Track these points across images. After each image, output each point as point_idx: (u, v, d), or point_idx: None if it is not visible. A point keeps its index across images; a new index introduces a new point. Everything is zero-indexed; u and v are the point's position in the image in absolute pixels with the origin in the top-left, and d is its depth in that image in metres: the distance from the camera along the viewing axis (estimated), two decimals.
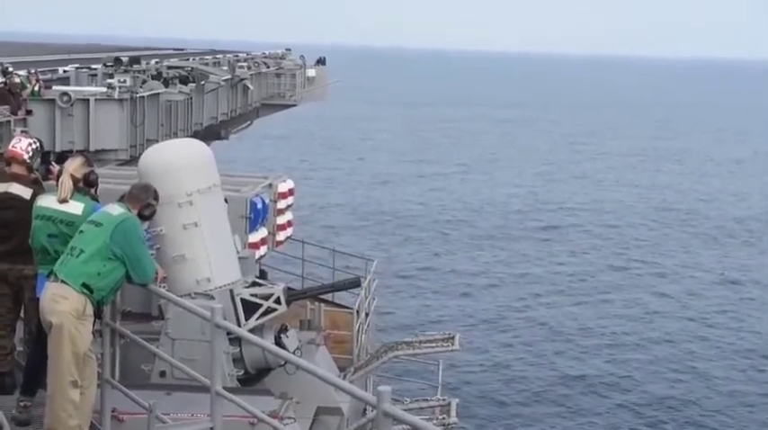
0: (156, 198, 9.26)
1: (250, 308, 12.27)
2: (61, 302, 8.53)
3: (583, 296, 41.45)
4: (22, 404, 9.52)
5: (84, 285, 8.56)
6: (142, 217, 9.04)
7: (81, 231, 8.82)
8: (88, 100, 21.93)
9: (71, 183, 9.26)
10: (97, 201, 9.58)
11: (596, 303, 40.47)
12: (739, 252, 51.35)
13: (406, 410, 16.03)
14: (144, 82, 24.34)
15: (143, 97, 23.15)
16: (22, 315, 10.21)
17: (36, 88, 21.86)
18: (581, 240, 53.07)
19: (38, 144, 10.21)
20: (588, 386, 30.84)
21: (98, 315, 8.96)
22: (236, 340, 11.88)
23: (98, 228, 8.71)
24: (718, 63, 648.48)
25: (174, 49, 53.72)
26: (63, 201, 9.21)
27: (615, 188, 72.58)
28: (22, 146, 10.06)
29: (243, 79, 34.61)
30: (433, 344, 18.10)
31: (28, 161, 10.03)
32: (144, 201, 9.10)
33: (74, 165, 9.40)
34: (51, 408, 8.68)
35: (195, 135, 25.97)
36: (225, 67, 35.27)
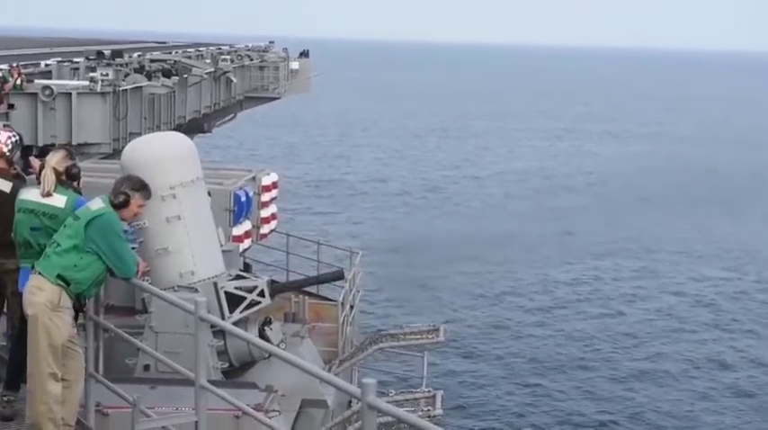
0: (135, 188, 9.11)
1: (234, 300, 12.26)
2: (37, 294, 8.55)
3: (570, 286, 41.53)
4: (5, 399, 9.50)
5: (60, 277, 8.56)
6: (114, 206, 8.94)
7: (64, 225, 8.82)
8: (70, 93, 21.84)
9: (54, 176, 9.22)
10: (80, 193, 9.54)
11: (585, 293, 40.56)
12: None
13: (390, 402, 16.04)
14: (126, 75, 24.24)
15: (126, 90, 23.06)
16: (5, 309, 10.18)
17: (18, 82, 21.76)
18: (570, 230, 53.15)
19: (17, 137, 10.15)
20: (575, 377, 30.90)
21: (80, 309, 8.94)
22: (220, 333, 11.87)
23: (77, 222, 8.73)
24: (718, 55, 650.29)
25: (157, 43, 53.50)
26: (47, 194, 9.18)
27: (603, 182, 72.79)
28: (1, 139, 10.00)
29: (226, 72, 34.50)
30: (418, 336, 18.13)
31: (7, 154, 9.97)
32: (117, 189, 9.03)
33: (56, 159, 9.36)
34: (31, 403, 8.67)
35: (178, 128, 25.89)
36: (208, 60, 35.17)
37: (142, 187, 9.18)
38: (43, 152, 16.09)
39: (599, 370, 31.67)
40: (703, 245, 50.64)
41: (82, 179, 9.93)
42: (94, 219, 8.71)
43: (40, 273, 8.61)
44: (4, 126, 11.20)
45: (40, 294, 8.55)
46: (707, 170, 76.56)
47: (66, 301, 8.64)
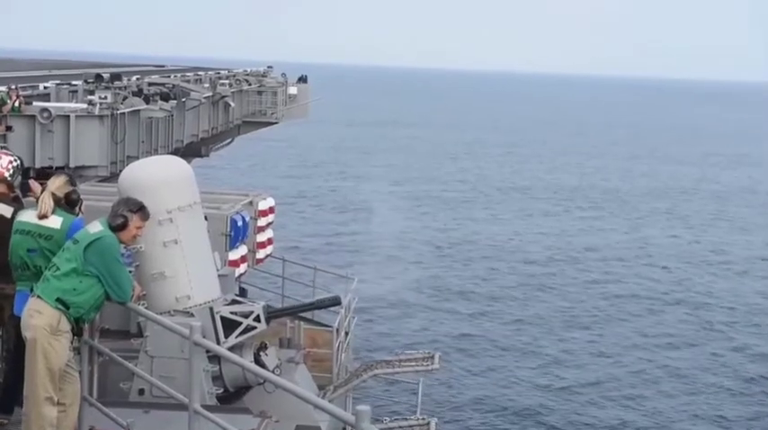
0: (133, 210, 9.08)
1: (230, 325, 12.24)
2: (35, 317, 8.53)
3: (566, 316, 41.49)
4: None
5: (59, 300, 8.55)
6: (113, 228, 8.94)
7: (63, 249, 8.82)
8: (69, 116, 21.86)
9: (52, 202, 9.20)
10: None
11: (580, 323, 40.53)
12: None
13: (384, 429, 16.04)
14: (125, 98, 24.23)
15: (124, 114, 23.08)
16: (1, 333, 10.14)
17: (16, 104, 21.77)
18: (564, 260, 53.19)
19: (18, 162, 10.15)
20: (571, 406, 30.83)
21: (78, 333, 8.91)
22: (215, 358, 11.84)
23: (76, 246, 8.73)
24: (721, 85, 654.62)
25: (156, 66, 53.56)
26: (42, 217, 9.17)
27: (599, 215, 72.96)
28: (2, 163, 9.99)
29: (224, 96, 34.53)
30: (413, 363, 18.14)
31: (8, 179, 9.96)
32: (115, 212, 9.03)
33: (56, 185, 9.33)
34: (27, 426, 8.64)
35: (176, 152, 25.90)
36: (206, 85, 35.19)
37: (140, 209, 9.16)
38: (41, 174, 16.07)
39: (598, 396, 31.62)
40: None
41: (83, 202, 9.93)
42: (93, 242, 8.71)
43: (39, 297, 8.60)
44: (2, 148, 11.20)
45: (40, 318, 8.53)
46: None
47: (65, 325, 8.62)
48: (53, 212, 9.22)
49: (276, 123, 42.03)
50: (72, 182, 9.58)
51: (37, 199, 9.40)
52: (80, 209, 9.72)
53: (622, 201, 77.02)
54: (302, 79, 46.67)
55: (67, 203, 9.42)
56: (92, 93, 23.61)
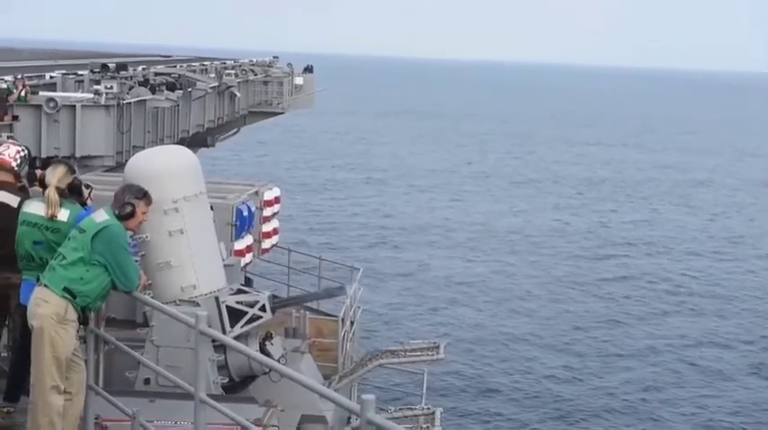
0: (138, 197, 9.14)
1: (235, 315, 12.25)
2: (42, 306, 8.55)
3: (571, 305, 41.54)
4: (5, 410, 9.52)
5: (66, 289, 8.56)
6: (120, 217, 8.96)
7: (69, 238, 8.83)
8: (74, 106, 21.86)
9: (57, 196, 9.20)
10: (84, 205, 9.54)
11: (584, 311, 40.56)
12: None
13: (390, 419, 16.07)
14: (131, 88, 24.24)
15: (129, 104, 23.08)
16: (7, 323, 10.18)
17: (23, 94, 21.77)
18: (568, 247, 53.19)
19: (26, 152, 10.18)
20: (575, 395, 30.88)
21: (84, 322, 8.94)
22: (220, 347, 11.86)
23: (82, 235, 8.74)
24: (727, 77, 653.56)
25: (161, 56, 53.52)
26: (52, 216, 9.16)
27: (601, 198, 72.93)
28: (10, 153, 10.01)
29: (230, 86, 34.53)
30: (418, 353, 18.18)
31: (15, 169, 9.98)
32: (121, 200, 9.06)
33: (57, 177, 9.30)
34: (33, 415, 8.68)
35: (182, 142, 25.93)
36: (212, 75, 35.18)
37: (144, 195, 9.24)
38: (46, 164, 16.07)
39: (605, 386, 31.64)
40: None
41: (93, 189, 9.95)
42: (101, 230, 8.73)
43: (45, 286, 8.62)
44: (8, 138, 11.23)
45: (47, 307, 8.56)
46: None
47: (72, 314, 8.64)
48: (60, 205, 9.22)
49: (282, 113, 42.09)
50: (71, 169, 9.57)
51: (41, 185, 9.40)
52: (89, 196, 9.73)
53: (635, 192, 76.93)
54: (308, 69, 46.67)
55: (71, 191, 9.43)
56: (98, 83, 23.64)
